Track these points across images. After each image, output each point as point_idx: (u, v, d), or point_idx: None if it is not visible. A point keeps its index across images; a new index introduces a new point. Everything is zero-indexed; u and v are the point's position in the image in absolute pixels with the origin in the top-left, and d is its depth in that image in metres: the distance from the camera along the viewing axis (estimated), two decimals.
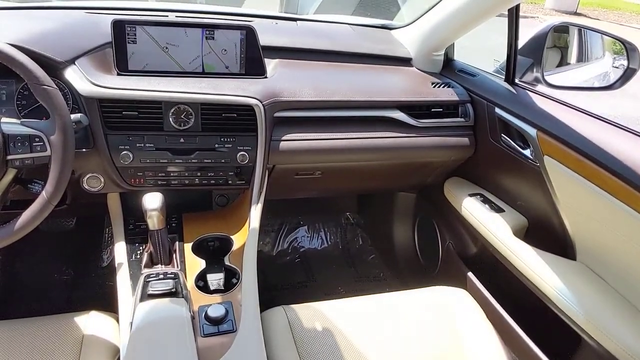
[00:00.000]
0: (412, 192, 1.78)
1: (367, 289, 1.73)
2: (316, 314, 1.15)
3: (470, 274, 1.44)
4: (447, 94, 1.42)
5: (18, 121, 0.99)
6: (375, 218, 1.99)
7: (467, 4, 1.27)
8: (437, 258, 1.64)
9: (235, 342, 0.92)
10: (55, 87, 0.98)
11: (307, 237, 1.95)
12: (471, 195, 1.43)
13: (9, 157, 0.96)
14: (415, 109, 1.39)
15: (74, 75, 1.14)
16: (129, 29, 1.22)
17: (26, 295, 1.72)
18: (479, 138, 1.42)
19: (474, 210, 1.39)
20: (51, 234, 1.74)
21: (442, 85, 1.45)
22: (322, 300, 1.20)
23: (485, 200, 1.40)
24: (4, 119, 0.98)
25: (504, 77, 1.39)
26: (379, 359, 1.06)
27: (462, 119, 1.42)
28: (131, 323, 0.95)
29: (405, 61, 1.57)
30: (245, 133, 1.24)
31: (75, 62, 1.16)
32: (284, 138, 1.28)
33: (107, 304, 1.19)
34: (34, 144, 0.96)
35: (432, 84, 1.46)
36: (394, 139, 1.35)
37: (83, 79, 1.13)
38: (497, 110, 1.33)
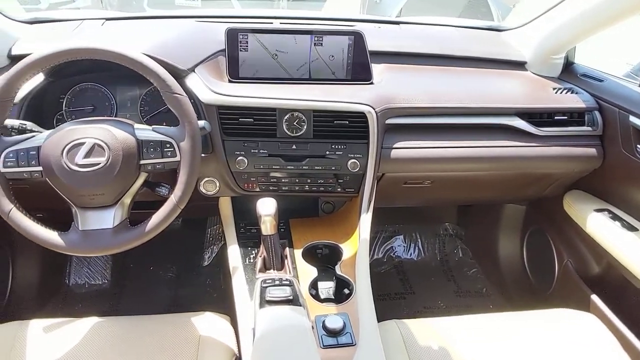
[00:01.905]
0: (522, 204, 1.68)
1: (469, 304, 1.65)
2: (430, 330, 1.10)
3: (594, 297, 1.32)
4: (572, 101, 1.31)
5: (149, 127, 1.03)
6: (477, 230, 1.90)
7: (603, 3, 1.16)
8: (551, 276, 1.52)
9: (357, 357, 0.89)
10: (185, 95, 1.01)
11: (404, 246, 1.90)
12: (597, 210, 1.31)
13: (142, 162, 1.00)
14: (536, 116, 1.29)
15: (195, 83, 1.18)
16: (241, 37, 1.25)
17: (134, 291, 1.82)
18: (607, 149, 1.30)
19: (601, 227, 1.27)
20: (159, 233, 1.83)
21: (565, 91, 1.34)
22: (424, 313, 1.15)
23: (615, 217, 1.27)
24: (137, 126, 1.03)
25: (639, 82, 1.26)
26: None
27: (589, 128, 1.31)
28: (253, 329, 0.95)
29: (519, 65, 1.47)
30: (356, 140, 1.22)
31: (195, 70, 1.20)
32: (395, 146, 1.24)
33: (213, 303, 1.21)
34: (165, 149, 1.00)
35: (554, 89, 1.36)
36: (512, 148, 1.27)
37: (203, 87, 1.17)
38: (632, 118, 1.21)
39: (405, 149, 1.24)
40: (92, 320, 1.13)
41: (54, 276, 1.79)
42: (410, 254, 1.90)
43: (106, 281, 1.81)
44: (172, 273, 1.85)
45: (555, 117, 1.30)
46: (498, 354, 1.05)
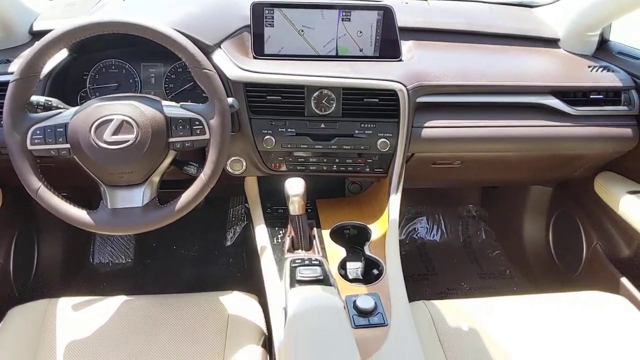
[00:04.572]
0: (549, 185, 1.65)
1: (493, 286, 1.64)
2: (458, 311, 1.09)
3: (624, 279, 1.30)
4: (608, 79, 1.27)
5: (177, 105, 1.02)
6: (501, 212, 1.87)
7: None
8: (578, 259, 1.50)
9: (389, 337, 0.89)
10: (215, 71, 0.99)
11: (427, 228, 1.88)
12: (631, 192, 1.27)
13: (171, 140, 0.99)
14: (571, 95, 1.26)
15: (221, 59, 1.15)
16: (267, 11, 1.22)
17: (158, 270, 1.83)
18: None
19: (634, 209, 1.24)
20: None
21: (600, 69, 1.30)
22: (447, 295, 1.14)
23: None
24: (164, 102, 1.01)
25: None
26: None
27: (625, 107, 1.27)
28: (284, 309, 0.95)
29: (552, 42, 1.43)
30: (386, 119, 1.19)
31: (221, 46, 1.17)
32: (426, 125, 1.21)
33: (237, 283, 1.21)
34: (194, 127, 0.99)
35: (589, 67, 1.31)
36: (546, 128, 1.23)
37: (230, 63, 1.15)
38: None
39: (436, 128, 1.21)
40: (120, 299, 1.14)
41: (79, 255, 1.80)
42: (433, 236, 1.88)
43: (130, 260, 1.83)
44: (194, 253, 1.85)
45: (591, 96, 1.26)
46: (527, 335, 1.04)
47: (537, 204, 1.70)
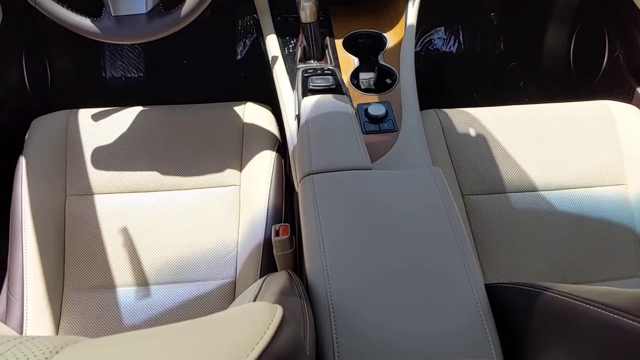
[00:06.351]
0: None
1: (504, 97, 1.62)
2: (467, 119, 1.11)
3: None
4: None
5: None
6: (524, 21, 1.76)
7: None
8: (596, 69, 1.46)
9: (399, 140, 0.93)
10: None
11: (444, 39, 1.80)
12: None
13: None
14: None
15: None
16: None
17: (170, 84, 1.84)
18: None
19: None
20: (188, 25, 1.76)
21: None
22: (458, 106, 1.14)
23: None
24: None
25: None
26: (529, 169, 1.03)
27: None
28: (297, 116, 0.97)
29: None
30: None
31: None
32: None
33: (250, 95, 1.22)
34: None
35: None
36: None
37: None
38: None
39: None
40: (138, 108, 1.17)
41: (90, 69, 1.80)
42: (450, 47, 1.81)
43: (142, 74, 1.82)
44: (205, 67, 1.83)
45: None
46: (533, 141, 1.07)
47: (564, 11, 1.58)
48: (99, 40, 0.97)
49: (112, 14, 0.95)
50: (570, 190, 1.02)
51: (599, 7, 1.46)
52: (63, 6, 0.94)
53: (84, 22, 0.94)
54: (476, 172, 1.03)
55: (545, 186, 1.02)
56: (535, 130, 1.09)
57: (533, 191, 1.02)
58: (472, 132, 1.08)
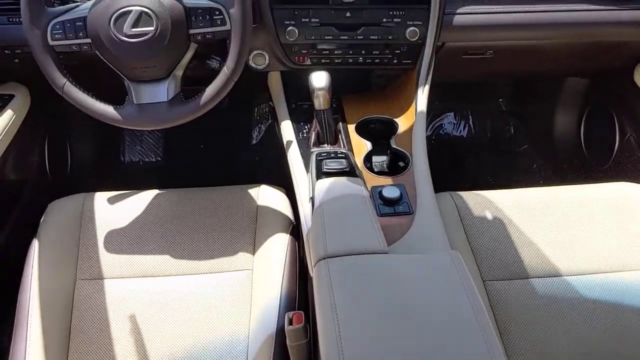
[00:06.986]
0: (584, 77, 1.57)
1: (518, 180, 1.63)
2: (483, 202, 1.10)
3: None
4: None
5: None
6: (532, 106, 1.81)
7: None
8: (609, 151, 1.47)
9: (415, 223, 0.91)
10: None
11: (454, 124, 1.85)
12: None
13: (192, 32, 0.96)
14: None
15: None
16: None
17: (187, 168, 1.88)
18: None
19: None
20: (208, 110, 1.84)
21: None
22: (472, 189, 1.14)
23: None
24: None
25: None
26: (551, 254, 1.00)
27: None
28: (311, 199, 0.97)
29: None
30: (416, 5, 1.12)
31: None
32: (458, 11, 1.14)
33: (265, 179, 1.23)
34: (214, 17, 0.95)
35: None
36: (586, 12, 1.15)
37: None
38: None
39: (470, 14, 1.14)
40: (153, 192, 1.18)
41: (110, 154, 1.86)
42: (460, 132, 1.85)
43: (159, 159, 1.87)
44: (222, 151, 1.88)
45: None
46: (551, 225, 1.05)
47: (570, 96, 1.63)
48: (121, 126, 1.01)
49: (135, 102, 0.99)
50: (597, 275, 0.98)
51: (605, 91, 1.51)
52: (89, 95, 0.98)
53: (108, 110, 0.99)
54: (497, 256, 1.00)
55: (571, 271, 0.99)
56: (553, 213, 1.07)
57: (557, 276, 0.98)
58: (490, 216, 1.07)
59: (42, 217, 1.12)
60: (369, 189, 1.00)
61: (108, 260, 1.06)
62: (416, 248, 0.86)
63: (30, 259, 1.03)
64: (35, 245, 1.05)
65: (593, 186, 1.14)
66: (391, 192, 0.97)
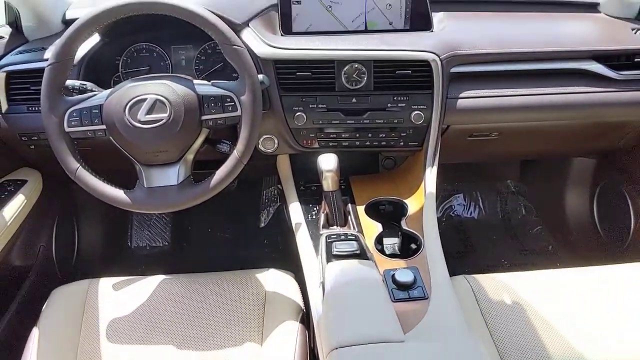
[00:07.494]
0: (592, 157, 1.58)
1: (534, 262, 1.59)
2: (500, 285, 1.06)
3: None
4: None
5: (209, 83, 1.02)
6: (541, 186, 1.81)
7: None
8: (625, 231, 1.44)
9: (431, 309, 0.87)
10: (244, 47, 0.99)
11: (464, 205, 1.84)
12: None
13: (204, 118, 0.99)
14: (614, 59, 1.19)
15: (250, 37, 1.14)
16: None
17: (194, 252, 1.86)
18: None
19: None
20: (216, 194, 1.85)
21: None
22: (487, 272, 1.10)
23: None
24: (196, 81, 1.02)
25: None
26: (572, 338, 0.94)
27: None
28: (322, 283, 0.94)
29: (591, 7, 1.36)
30: (419, 91, 1.16)
31: (249, 25, 1.17)
32: (461, 95, 1.18)
33: (273, 263, 1.21)
34: (226, 104, 0.99)
35: (632, 29, 1.25)
36: (588, 94, 1.18)
37: (259, 41, 1.14)
38: None
39: (473, 98, 1.17)
40: (158, 278, 1.15)
41: (117, 239, 1.85)
42: (471, 213, 1.84)
43: (167, 243, 1.86)
44: (230, 235, 1.87)
45: (635, 59, 1.20)
46: (572, 309, 1.00)
47: (579, 176, 1.63)
48: (131, 209, 1.01)
49: (145, 186, 1.00)
50: None
51: (614, 170, 1.51)
52: (100, 179, 1.00)
53: (118, 194, 0.99)
54: (518, 343, 0.94)
55: (594, 357, 0.92)
56: (574, 296, 1.03)
57: None
58: (508, 300, 1.02)
59: (45, 304, 1.09)
60: (382, 272, 0.98)
61: (109, 353, 1.01)
62: (434, 335, 0.81)
63: (28, 349, 0.99)
64: (34, 335, 1.01)
65: (613, 267, 1.10)
66: (405, 276, 0.94)
